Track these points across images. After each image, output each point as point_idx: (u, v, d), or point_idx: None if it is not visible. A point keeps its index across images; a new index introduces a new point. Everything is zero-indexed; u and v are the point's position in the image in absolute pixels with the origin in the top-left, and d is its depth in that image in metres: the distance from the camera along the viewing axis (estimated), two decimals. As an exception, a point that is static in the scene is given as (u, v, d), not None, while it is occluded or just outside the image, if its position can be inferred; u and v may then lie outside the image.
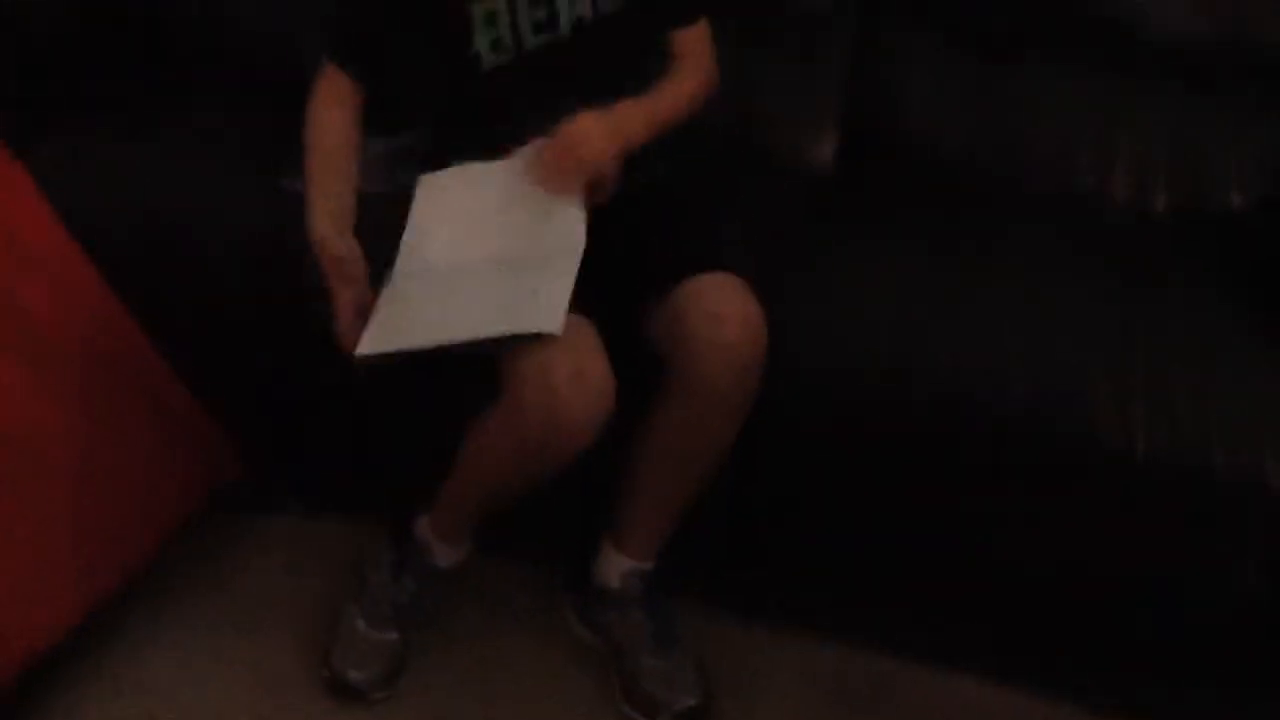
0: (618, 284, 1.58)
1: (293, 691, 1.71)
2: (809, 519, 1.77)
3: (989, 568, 1.72)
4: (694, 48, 1.74)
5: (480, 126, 1.66)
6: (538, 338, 1.46)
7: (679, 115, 1.69)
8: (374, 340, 1.54)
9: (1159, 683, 1.73)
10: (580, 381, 1.47)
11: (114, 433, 1.71)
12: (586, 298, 1.51)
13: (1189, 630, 1.68)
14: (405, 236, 1.62)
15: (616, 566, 1.72)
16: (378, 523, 1.86)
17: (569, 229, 1.56)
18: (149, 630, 1.78)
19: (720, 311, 1.56)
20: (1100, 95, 2.04)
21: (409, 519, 1.76)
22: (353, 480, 1.96)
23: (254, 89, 2.14)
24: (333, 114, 1.68)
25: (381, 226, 1.63)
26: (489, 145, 1.62)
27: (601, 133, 1.57)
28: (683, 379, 1.58)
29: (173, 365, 1.79)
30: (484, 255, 1.58)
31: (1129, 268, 1.86)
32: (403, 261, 1.61)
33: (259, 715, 1.68)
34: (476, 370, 1.58)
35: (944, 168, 2.06)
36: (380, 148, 1.92)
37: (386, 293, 1.58)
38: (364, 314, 1.56)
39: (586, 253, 1.52)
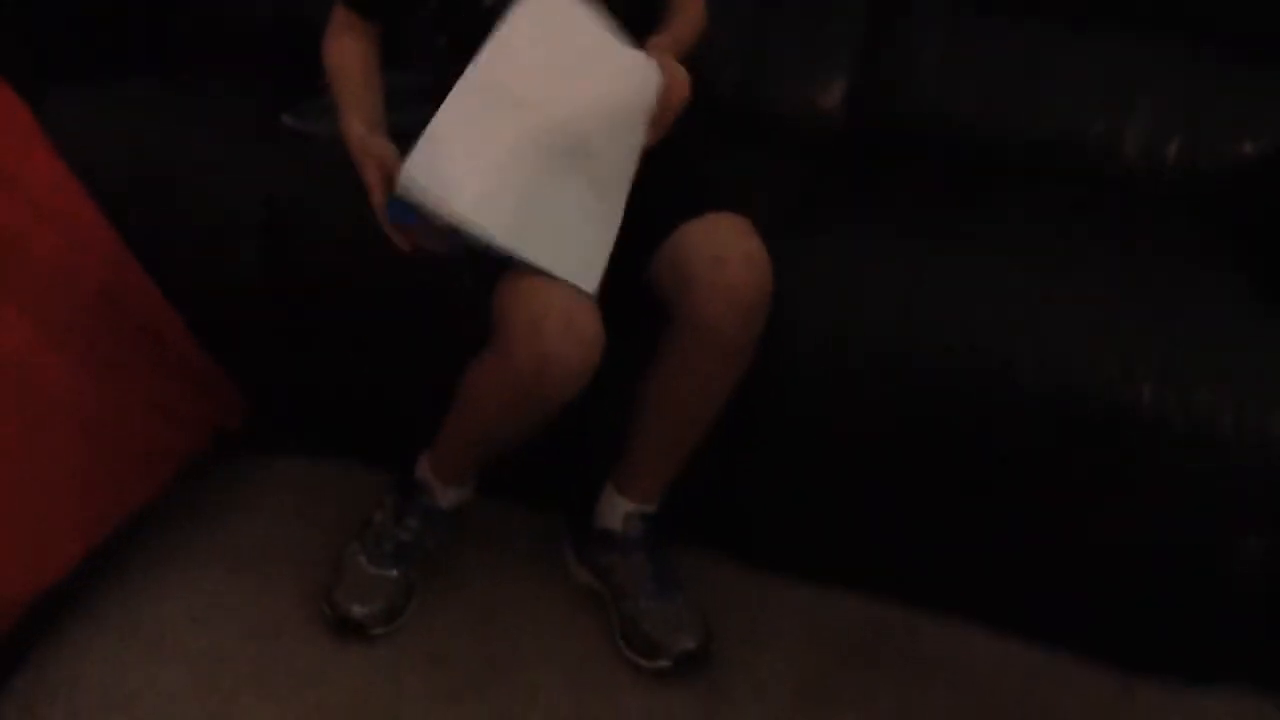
0: (620, 228, 1.57)
1: (293, 633, 1.71)
2: (816, 473, 1.76)
3: (993, 527, 1.72)
4: None
5: None
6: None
7: (691, 52, 1.68)
8: (428, 173, 1.44)
9: (1161, 640, 1.72)
10: (570, 332, 1.47)
11: (117, 374, 1.72)
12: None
13: (1190, 592, 1.67)
14: (500, 31, 1.49)
15: (619, 509, 1.72)
16: (379, 466, 1.87)
17: (625, 178, 1.55)
18: (151, 572, 1.78)
19: (722, 253, 1.56)
20: (1110, 49, 2.03)
21: (412, 460, 1.77)
22: (354, 423, 1.96)
23: (261, 54, 2.15)
24: (350, 43, 1.71)
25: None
26: None
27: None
28: (686, 322, 1.57)
29: (178, 311, 1.80)
30: (569, 146, 1.51)
31: (1138, 230, 1.85)
32: (486, 70, 1.48)
33: (259, 656, 1.68)
34: (471, 312, 1.58)
35: (954, 127, 2.06)
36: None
37: (457, 114, 1.46)
38: None
39: None
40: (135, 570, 1.78)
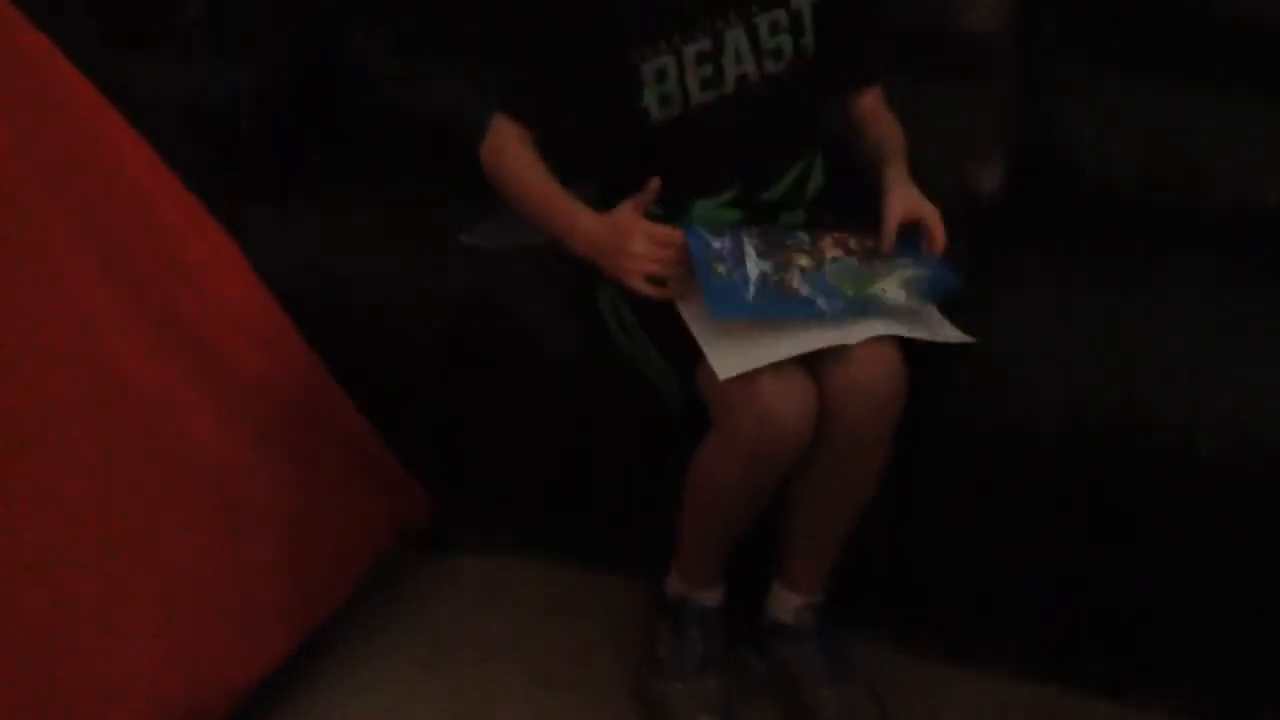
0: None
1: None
2: (985, 551, 1.76)
3: (1172, 607, 1.70)
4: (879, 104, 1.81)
5: (646, 178, 1.64)
6: None
7: None
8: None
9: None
10: (783, 384, 1.53)
11: (313, 477, 1.82)
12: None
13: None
14: None
15: (788, 603, 1.75)
16: (561, 559, 1.95)
17: None
18: (347, 665, 1.86)
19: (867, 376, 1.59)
20: (1261, 107, 1.99)
21: (595, 553, 1.84)
22: (535, 519, 2.04)
23: (436, 161, 2.26)
24: (524, 150, 1.70)
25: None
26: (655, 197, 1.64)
27: None
28: (825, 428, 1.60)
29: (366, 413, 1.89)
30: None
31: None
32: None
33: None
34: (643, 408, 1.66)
35: (1114, 194, 2.05)
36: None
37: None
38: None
39: None
40: (332, 663, 1.85)
